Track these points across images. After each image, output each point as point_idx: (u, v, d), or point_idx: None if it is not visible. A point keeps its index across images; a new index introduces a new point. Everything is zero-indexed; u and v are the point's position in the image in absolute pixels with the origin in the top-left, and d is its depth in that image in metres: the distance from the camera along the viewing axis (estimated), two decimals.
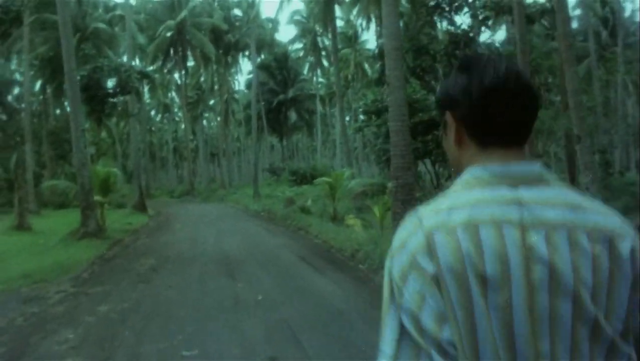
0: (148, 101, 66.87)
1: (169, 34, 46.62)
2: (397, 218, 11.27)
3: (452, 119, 1.19)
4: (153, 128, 70.47)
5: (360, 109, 32.37)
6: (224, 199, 40.40)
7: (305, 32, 53.40)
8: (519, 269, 1.03)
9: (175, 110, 70.67)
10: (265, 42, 49.27)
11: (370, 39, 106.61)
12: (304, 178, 39.75)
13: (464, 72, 1.19)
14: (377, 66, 45.95)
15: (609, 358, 1.04)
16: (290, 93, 50.61)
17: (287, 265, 11.34)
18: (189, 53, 48.91)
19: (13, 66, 39.90)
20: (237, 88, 68.03)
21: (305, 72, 58.53)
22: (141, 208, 27.30)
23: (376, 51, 29.92)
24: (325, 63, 57.83)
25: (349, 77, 57.36)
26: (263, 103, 46.85)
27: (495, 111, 1.14)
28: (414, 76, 30.34)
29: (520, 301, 1.02)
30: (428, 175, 37.16)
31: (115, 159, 59.24)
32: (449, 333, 1.03)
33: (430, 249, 1.05)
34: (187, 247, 14.58)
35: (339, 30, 56.24)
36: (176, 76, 55.59)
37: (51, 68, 31.22)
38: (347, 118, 67.36)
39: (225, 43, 49.11)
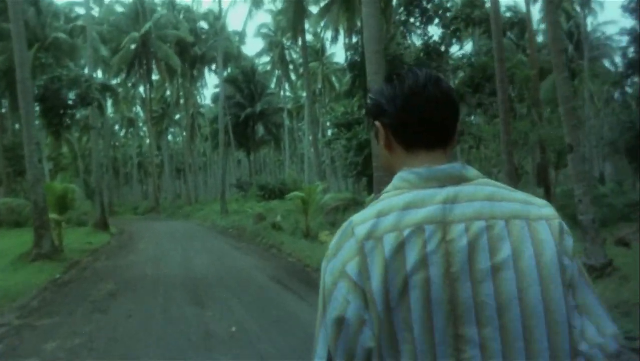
0: (111, 115, 65.08)
1: (133, 46, 45.20)
2: None
3: (381, 127, 1.29)
4: (117, 143, 68.57)
5: (330, 122, 31.57)
6: (190, 215, 39.02)
7: (272, 45, 52.54)
8: (439, 265, 1.10)
9: (140, 125, 68.92)
10: (232, 55, 48.18)
11: (337, 52, 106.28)
12: (272, 193, 38.69)
13: (389, 83, 1.29)
14: (347, 77, 45.37)
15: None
16: (258, 107, 49.43)
17: (261, 288, 10.29)
18: (153, 66, 47.53)
19: None
20: (203, 102, 66.74)
21: (272, 85, 57.57)
22: (103, 226, 25.83)
23: (346, 63, 29.17)
24: (293, 77, 57.06)
25: (317, 91, 56.70)
26: (230, 117, 45.61)
27: (417, 115, 1.23)
28: None
29: (440, 294, 1.09)
30: None
31: (77, 175, 57.29)
32: (367, 338, 1.12)
33: (360, 258, 1.14)
34: (150, 269, 13.39)
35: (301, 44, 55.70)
36: (141, 89, 54.04)
37: (7, 80, 29.53)
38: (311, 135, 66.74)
39: (191, 56, 47.88)
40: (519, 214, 1.15)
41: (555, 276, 1.13)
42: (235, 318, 7.80)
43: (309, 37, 55.95)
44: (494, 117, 28.38)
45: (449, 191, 1.16)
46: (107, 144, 54.83)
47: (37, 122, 20.06)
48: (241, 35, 50.99)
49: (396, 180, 1.22)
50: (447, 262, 1.10)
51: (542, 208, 1.19)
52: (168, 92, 59.28)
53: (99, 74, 47.53)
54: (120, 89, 60.01)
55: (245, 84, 50.78)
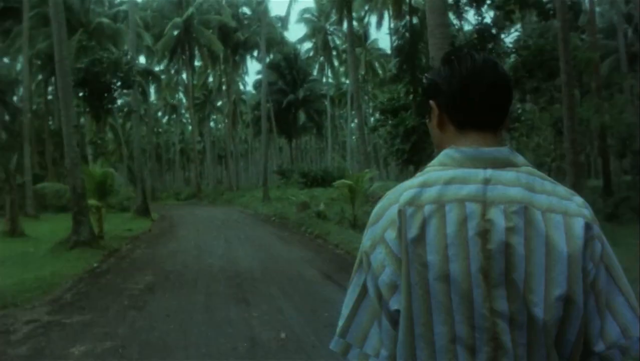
0: (154, 101, 65.10)
1: (175, 32, 44.68)
2: None
3: (435, 106, 1.34)
4: (160, 130, 68.62)
5: (375, 108, 30.36)
6: (232, 202, 38.41)
7: (316, 30, 51.40)
8: (476, 240, 1.15)
9: (183, 111, 68.76)
10: (274, 41, 47.26)
11: (380, 37, 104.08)
12: (314, 180, 37.85)
13: (446, 65, 1.33)
14: (392, 63, 44.00)
15: (560, 333, 1.17)
16: (301, 93, 48.57)
17: (310, 285, 9.31)
18: (196, 52, 47.00)
19: (19, 66, 38.17)
20: (244, 89, 66.14)
21: (314, 72, 56.51)
22: (144, 212, 25.31)
23: (392, 48, 27.89)
24: (336, 63, 55.88)
25: (360, 77, 55.41)
26: (272, 104, 44.85)
27: (472, 97, 1.26)
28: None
29: (476, 268, 1.14)
30: None
31: (121, 160, 57.42)
32: (397, 303, 1.18)
33: (400, 225, 1.19)
34: (191, 259, 12.57)
35: (346, 29, 54.33)
36: (184, 76, 53.67)
37: (52, 66, 29.04)
38: (356, 121, 65.20)
39: (234, 41, 47.14)
40: (556, 209, 1.18)
41: (578, 275, 1.16)
42: (285, 321, 6.84)
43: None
44: (549, 103, 26.81)
45: (492, 173, 1.21)
46: (149, 130, 54.75)
47: (77, 105, 19.54)
48: (284, 20, 50.03)
49: (442, 156, 1.27)
50: (484, 239, 1.15)
51: (581, 208, 1.21)
52: (210, 79, 58.82)
53: (142, 60, 47.32)
54: (163, 76, 60.02)
55: (287, 70, 49.94)
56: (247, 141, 71.67)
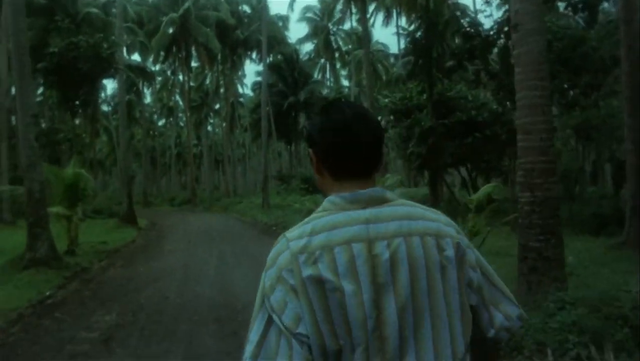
0: (150, 103, 62.09)
1: (171, 30, 41.70)
2: (530, 256, 6.27)
3: (313, 154, 1.39)
4: (156, 133, 65.54)
5: (385, 108, 27.42)
6: (229, 208, 35.32)
7: (318, 30, 48.50)
8: (367, 275, 1.24)
9: (180, 115, 65.63)
10: (275, 40, 44.31)
11: (382, 37, 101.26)
12: (316, 186, 34.86)
13: (321, 114, 1.40)
14: (400, 63, 41.11)
15: (454, 340, 1.28)
16: (302, 95, 45.55)
17: None
18: (193, 51, 44.01)
19: None
20: (242, 91, 63.10)
21: (315, 74, 53.54)
22: (130, 219, 22.25)
23: (408, 40, 24.98)
24: (338, 65, 53.02)
25: (362, 80, 52.60)
26: (271, 106, 41.86)
27: (342, 151, 1.33)
28: (441, 71, 25.48)
29: (369, 301, 1.23)
30: (458, 186, 32.09)
31: (115, 164, 54.28)
32: (304, 328, 1.23)
33: (295, 266, 1.25)
34: (174, 287, 9.54)
35: (349, 30, 51.40)
36: (180, 77, 50.69)
37: (36, 59, 25.87)
38: None
39: (233, 40, 44.13)
40: (430, 232, 1.30)
41: (453, 284, 1.29)
42: None
43: (353, 23, 52.02)
44: (570, 106, 23.90)
45: (372, 212, 1.29)
46: (144, 132, 51.74)
47: (50, 96, 16.55)
48: (284, 19, 47.17)
49: (325, 203, 1.35)
50: (373, 273, 1.24)
51: (447, 227, 1.34)
52: (208, 81, 55.90)
53: (137, 58, 44.35)
54: (159, 78, 57.04)
55: (288, 72, 46.98)
56: (244, 146, 68.58)
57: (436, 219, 1.34)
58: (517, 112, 6.44)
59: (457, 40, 25.44)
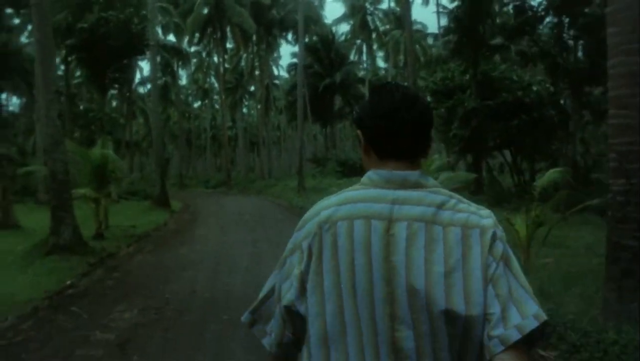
0: (186, 85, 61.70)
1: (205, 10, 40.87)
2: (623, 257, 5.18)
3: (362, 135, 1.41)
4: (191, 115, 65.22)
5: (426, 89, 26.14)
6: (263, 191, 34.55)
7: (355, 10, 47.11)
8: (380, 254, 1.25)
9: (215, 97, 65.05)
10: (311, 21, 43.11)
11: (419, 17, 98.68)
12: (352, 169, 33.91)
13: (371, 98, 1.42)
14: (441, 42, 39.55)
15: (465, 338, 1.23)
16: (338, 77, 44.33)
17: None
18: (228, 31, 43.13)
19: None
20: (278, 73, 62.12)
21: (351, 55, 52.16)
22: (163, 202, 21.60)
23: (452, 17, 23.56)
24: (375, 46, 51.56)
25: (400, 62, 51.11)
26: (307, 88, 40.80)
27: (388, 132, 1.35)
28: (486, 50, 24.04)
29: (380, 278, 1.23)
30: (505, 170, 30.65)
31: (151, 146, 54.07)
32: (291, 302, 1.31)
33: (316, 237, 1.31)
34: (202, 277, 8.70)
35: (387, 9, 49.86)
36: (215, 59, 49.94)
37: (72, 41, 25.24)
38: None
39: (268, 20, 43.09)
40: (455, 223, 1.27)
41: (476, 277, 1.23)
42: None
43: (391, 3, 50.43)
44: None
45: (402, 193, 1.30)
46: (180, 114, 51.35)
47: (79, 75, 15.82)
48: None
49: (364, 177, 1.38)
50: (387, 251, 1.25)
51: (483, 219, 1.29)
52: (243, 63, 55.12)
53: (172, 39, 43.72)
54: (194, 60, 56.49)
55: (324, 53, 45.76)
56: (279, 128, 67.79)
57: (471, 211, 1.30)
58: (610, 82, 5.31)
59: (497, 19, 24.02)
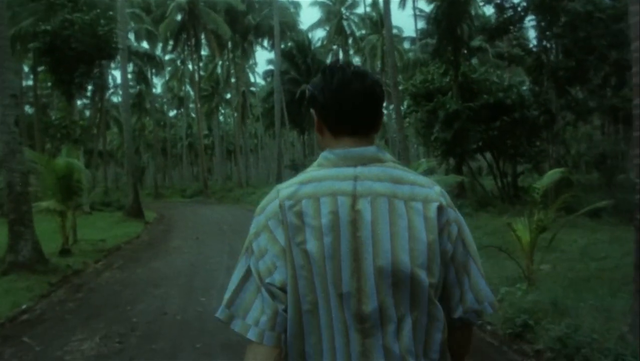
0: (160, 93, 60.51)
1: (179, 17, 39.91)
2: None
3: (315, 114, 1.42)
4: (166, 123, 63.96)
5: (405, 92, 25.53)
6: (241, 200, 33.65)
7: (331, 15, 46.53)
8: (347, 227, 1.27)
9: (191, 105, 63.89)
10: (288, 26, 42.39)
11: (395, 21, 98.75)
12: None
13: (322, 75, 1.41)
14: (418, 45, 39.14)
15: (425, 309, 1.29)
16: None
17: None
18: (202, 38, 42.21)
19: None
20: (254, 80, 61.15)
21: (327, 61, 51.56)
22: (136, 213, 20.59)
23: (432, 16, 22.99)
24: (351, 52, 50.99)
25: (377, 66, 50.65)
26: (284, 94, 39.99)
27: (341, 108, 1.36)
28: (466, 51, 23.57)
29: (347, 252, 1.26)
30: (483, 173, 30.17)
31: (124, 156, 52.75)
32: (277, 278, 1.29)
33: (281, 216, 1.31)
34: (175, 296, 7.84)
35: (363, 14, 49.32)
36: (190, 66, 48.93)
37: (41, 49, 24.03)
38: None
39: (244, 26, 42.25)
40: (417, 197, 1.31)
41: (436, 253, 1.30)
42: None
43: (367, 7, 49.91)
44: (600, 87, 21.77)
45: (362, 169, 1.32)
46: (155, 123, 50.21)
47: (44, 80, 14.80)
48: (296, 5, 45.23)
49: (320, 158, 1.39)
50: (354, 227, 1.27)
51: (439, 196, 1.35)
52: (219, 70, 54.22)
53: (145, 45, 42.59)
54: (168, 68, 55.41)
55: (301, 59, 44.99)
56: (257, 136, 66.85)
57: (428, 185, 1.36)
58: (634, 67, 4.64)
59: (475, 21, 23.53)
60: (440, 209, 1.31)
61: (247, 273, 1.32)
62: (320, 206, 1.28)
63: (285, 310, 1.29)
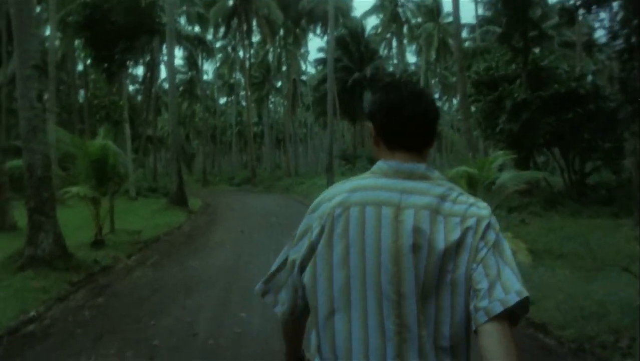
0: (211, 80, 59.86)
1: (230, 1, 38.74)
2: None
3: (372, 128, 1.50)
4: (217, 110, 63.29)
5: (468, 80, 23.53)
6: (290, 189, 32.30)
7: (385, 1, 44.54)
8: (388, 237, 1.34)
9: (241, 93, 62.93)
10: (340, 12, 40.69)
11: (451, 8, 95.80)
12: None
13: (380, 92, 1.52)
14: (478, 32, 36.89)
15: (454, 309, 1.34)
16: (368, 71, 41.87)
17: None
18: (254, 24, 40.96)
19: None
20: (305, 69, 59.66)
21: (380, 50, 49.49)
22: (180, 201, 19.43)
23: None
24: (405, 40, 48.91)
25: (432, 56, 48.47)
26: (336, 82, 38.38)
27: (395, 126, 1.45)
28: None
29: (387, 259, 1.33)
30: (547, 169, 27.85)
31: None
32: (306, 280, 1.41)
33: (328, 218, 1.40)
34: (209, 309, 6.40)
35: (418, 1, 47.12)
36: (241, 53, 47.87)
37: (91, 31, 22.99)
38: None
39: (296, 11, 40.78)
40: (456, 213, 1.36)
41: (462, 261, 1.34)
42: None
43: None
44: None
45: (409, 184, 1.41)
46: (203, 108, 49.47)
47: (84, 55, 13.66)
48: None
49: (374, 167, 1.48)
50: (395, 235, 1.34)
51: (481, 210, 1.39)
52: (270, 57, 53.06)
53: (196, 29, 41.64)
54: (219, 55, 54.59)
55: (354, 46, 43.27)
56: (306, 125, 65.50)
57: (469, 203, 1.39)
58: None
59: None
60: (478, 222, 1.36)
61: (284, 262, 1.50)
62: (365, 214, 1.37)
63: (305, 303, 1.45)
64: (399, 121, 1.43)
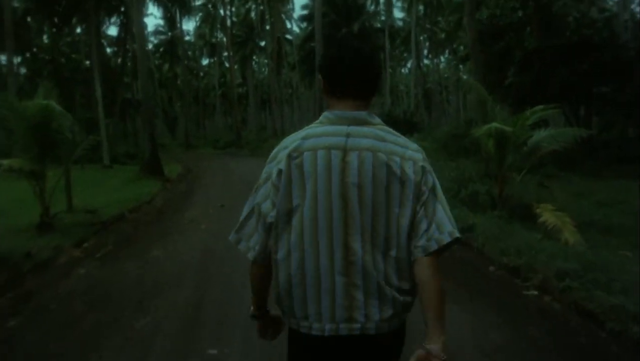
0: (192, 39, 56.66)
1: None
2: None
3: (322, 79, 1.73)
4: (200, 73, 60.20)
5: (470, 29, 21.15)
6: None
7: None
8: (338, 175, 1.60)
9: (225, 54, 59.70)
10: None
11: None
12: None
13: (328, 50, 1.83)
14: None
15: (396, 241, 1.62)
16: (356, 26, 39.17)
17: None
18: None
19: None
20: (290, 27, 56.52)
21: (367, 5, 46.56)
22: (153, 169, 17.11)
23: None
24: None
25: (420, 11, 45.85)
26: (322, 39, 35.70)
27: (340, 75, 1.69)
28: None
29: (337, 194, 1.59)
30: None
31: (157, 104, 49.39)
32: (273, 216, 1.64)
33: (285, 166, 1.63)
34: (169, 333, 4.25)
35: None
36: (222, 11, 44.67)
37: None
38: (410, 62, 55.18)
39: None
40: (397, 153, 1.63)
41: (407, 197, 1.62)
42: None
43: None
44: None
45: (354, 128, 1.65)
46: (184, 68, 46.60)
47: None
48: None
49: (322, 116, 1.71)
50: (343, 174, 1.60)
51: (416, 153, 1.67)
52: (252, 15, 49.95)
53: None
54: (200, 14, 51.45)
55: (341, 0, 40.42)
56: (292, 85, 62.69)
57: (405, 145, 1.67)
58: None
59: None
60: (415, 164, 1.63)
61: (252, 210, 1.71)
62: (317, 158, 1.61)
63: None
64: (340, 72, 1.69)
